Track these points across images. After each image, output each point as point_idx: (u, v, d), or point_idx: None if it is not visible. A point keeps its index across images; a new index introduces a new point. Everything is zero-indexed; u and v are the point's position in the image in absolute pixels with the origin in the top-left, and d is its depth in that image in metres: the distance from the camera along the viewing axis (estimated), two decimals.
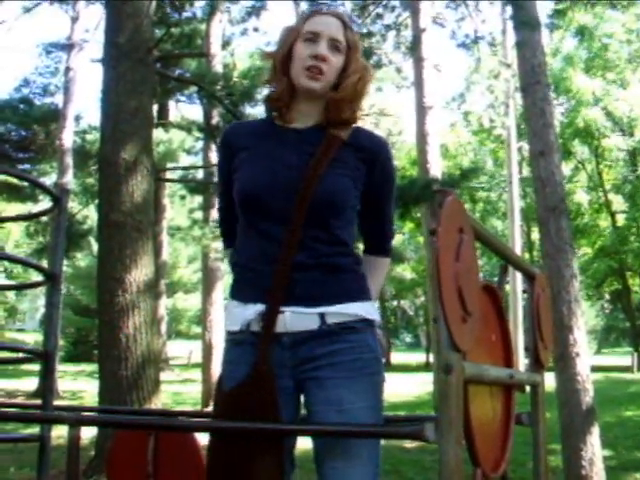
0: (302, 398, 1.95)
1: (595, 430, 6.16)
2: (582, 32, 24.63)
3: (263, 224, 1.92)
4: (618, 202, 28.64)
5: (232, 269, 2.04)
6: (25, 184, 14.85)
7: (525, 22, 6.68)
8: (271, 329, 1.87)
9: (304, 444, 2.00)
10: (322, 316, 1.88)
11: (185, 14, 12.64)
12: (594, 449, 6.10)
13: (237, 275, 2.00)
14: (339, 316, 1.89)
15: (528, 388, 2.29)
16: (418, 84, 13.02)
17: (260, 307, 1.88)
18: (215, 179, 12.37)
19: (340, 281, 1.92)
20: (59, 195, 3.07)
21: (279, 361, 1.88)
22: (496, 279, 2.34)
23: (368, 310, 1.95)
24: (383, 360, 2.01)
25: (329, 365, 1.87)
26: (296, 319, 1.87)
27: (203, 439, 2.33)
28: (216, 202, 13.09)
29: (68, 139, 16.29)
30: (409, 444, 8.94)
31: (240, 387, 1.87)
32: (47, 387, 2.96)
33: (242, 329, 1.92)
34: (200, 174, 16.40)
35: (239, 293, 1.97)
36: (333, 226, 1.92)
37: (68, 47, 17.99)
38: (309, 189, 1.89)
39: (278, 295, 1.86)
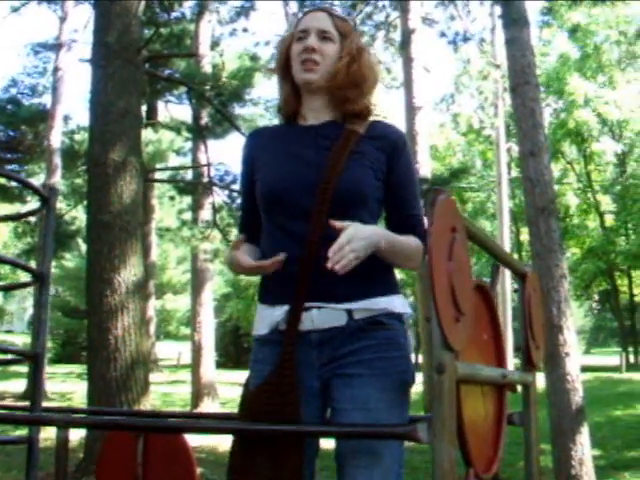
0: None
1: (585, 430, 6.16)
2: (574, 30, 24.63)
3: (287, 223, 1.91)
4: (606, 203, 28.75)
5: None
6: (13, 184, 14.79)
7: (515, 20, 6.68)
8: (296, 326, 1.85)
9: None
10: (349, 312, 1.87)
11: (174, 14, 12.63)
12: (584, 449, 6.10)
13: (264, 278, 1.99)
14: (366, 311, 1.88)
15: (519, 388, 2.29)
16: (407, 84, 13.02)
17: (287, 307, 1.87)
18: (204, 179, 12.37)
19: (366, 276, 1.89)
20: (47, 195, 3.04)
21: (306, 360, 1.87)
22: (486, 279, 2.33)
23: (394, 304, 1.94)
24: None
25: (357, 363, 1.86)
26: (324, 315, 1.86)
27: (193, 441, 2.32)
28: (205, 203, 13.10)
29: (56, 139, 16.20)
30: None
31: (263, 386, 1.85)
32: (36, 388, 2.94)
33: (271, 331, 1.91)
34: (189, 175, 16.36)
35: (267, 297, 1.97)
36: (357, 219, 1.87)
37: (56, 47, 17.90)
38: (330, 183, 1.88)
39: (302, 292, 1.85)
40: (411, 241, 1.94)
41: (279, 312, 1.89)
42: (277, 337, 1.89)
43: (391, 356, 1.89)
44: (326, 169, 1.90)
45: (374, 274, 1.93)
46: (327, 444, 1.92)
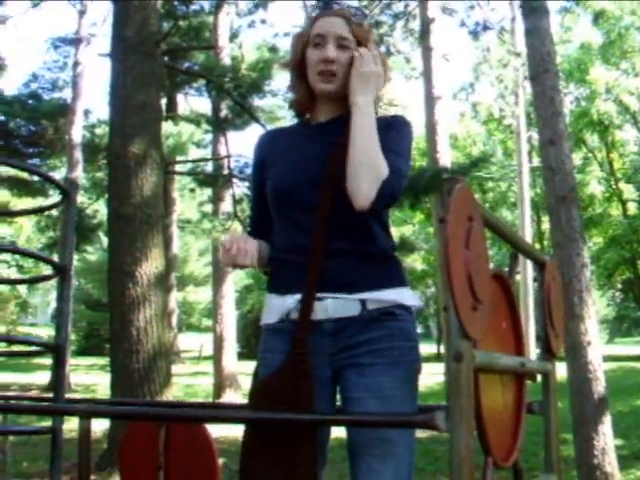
0: (338, 388, 1.96)
1: (607, 419, 6.13)
2: (598, 17, 24.29)
3: (294, 216, 1.96)
4: (629, 191, 28.47)
5: (269, 264, 2.06)
6: (35, 179, 14.90)
7: (534, 8, 6.64)
8: (308, 315, 1.88)
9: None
10: (363, 302, 1.90)
11: (192, 7, 12.66)
12: (606, 438, 6.08)
13: (274, 269, 2.04)
14: (379, 302, 1.91)
15: (539, 377, 2.28)
16: (427, 74, 12.98)
17: (299, 296, 1.90)
18: (224, 171, 12.40)
19: (377, 268, 1.94)
20: (68, 189, 3.07)
21: (318, 349, 1.89)
22: (507, 269, 2.33)
23: (405, 296, 1.97)
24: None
25: (369, 352, 1.88)
26: (338, 305, 1.90)
27: (214, 430, 2.34)
28: (225, 195, 13.15)
29: (77, 134, 16.32)
30: (420, 434, 8.92)
31: (276, 375, 1.87)
32: (58, 380, 2.98)
33: (281, 319, 1.94)
34: (209, 167, 16.40)
35: (277, 286, 2.00)
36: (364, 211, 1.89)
37: (76, 41, 18.02)
38: (332, 177, 1.91)
39: (314, 281, 1.88)
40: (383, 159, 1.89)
41: (290, 301, 1.92)
42: (288, 326, 1.92)
43: (403, 346, 1.92)
44: (330, 163, 1.94)
45: (384, 267, 1.97)
46: (344, 433, 1.93)
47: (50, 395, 3.02)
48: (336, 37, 2.00)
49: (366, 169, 1.84)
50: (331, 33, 2.00)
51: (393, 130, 1.99)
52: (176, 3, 11.80)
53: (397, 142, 1.97)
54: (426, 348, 28.37)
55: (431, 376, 16.74)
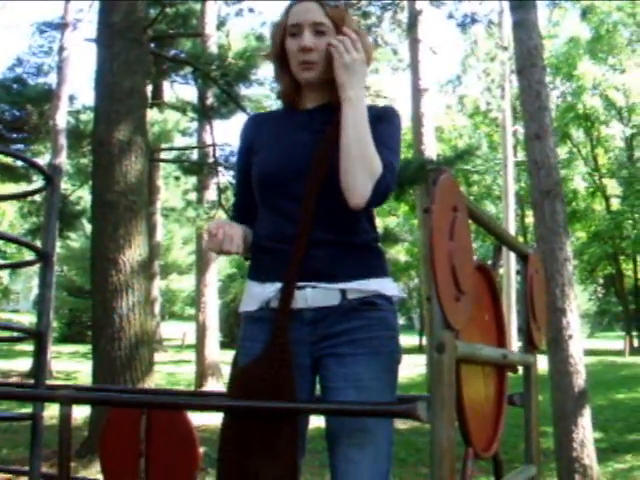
0: (317, 378, 1.96)
1: (587, 412, 6.18)
2: (587, 12, 24.34)
3: (279, 203, 1.95)
4: (612, 186, 28.65)
5: (250, 251, 2.04)
6: (19, 164, 14.80)
7: (522, 2, 6.64)
8: (289, 303, 1.87)
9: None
10: (343, 292, 1.90)
11: None
12: (585, 431, 6.12)
13: (255, 256, 2.02)
14: (359, 292, 1.90)
15: (521, 369, 2.30)
16: (414, 66, 13.00)
17: (279, 285, 1.89)
18: (209, 160, 12.37)
19: (359, 258, 1.93)
20: (51, 174, 3.04)
21: (298, 338, 1.89)
22: (490, 261, 2.33)
23: (386, 286, 1.96)
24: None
25: (349, 342, 1.88)
26: (318, 294, 1.89)
27: (195, 419, 2.33)
28: (210, 183, 13.07)
29: (62, 119, 16.18)
30: (401, 425, 8.97)
31: (255, 363, 1.87)
32: (40, 366, 2.96)
33: (261, 307, 1.93)
34: (195, 155, 16.34)
35: (258, 274, 1.98)
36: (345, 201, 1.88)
37: (62, 26, 17.85)
38: (320, 166, 1.90)
39: (296, 270, 1.87)
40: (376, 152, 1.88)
41: (271, 289, 1.91)
42: (268, 314, 1.91)
43: (383, 336, 1.91)
44: (317, 151, 1.93)
45: (366, 257, 1.96)
46: (323, 423, 1.93)
47: (31, 382, 3.00)
48: (312, 24, 1.97)
49: (360, 162, 1.84)
50: (306, 20, 1.97)
51: (384, 122, 1.98)
52: None
53: (389, 135, 1.97)
54: (408, 340, 28.47)
55: (413, 367, 16.83)
